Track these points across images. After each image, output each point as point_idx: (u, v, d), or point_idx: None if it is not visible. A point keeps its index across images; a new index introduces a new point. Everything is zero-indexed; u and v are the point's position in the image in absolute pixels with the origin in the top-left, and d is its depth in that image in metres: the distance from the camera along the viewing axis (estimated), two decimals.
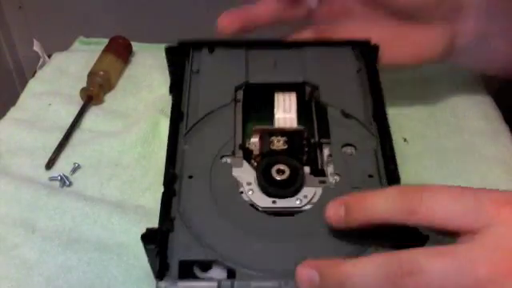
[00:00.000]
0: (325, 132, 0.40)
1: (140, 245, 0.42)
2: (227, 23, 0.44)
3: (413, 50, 0.45)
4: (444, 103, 0.53)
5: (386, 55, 0.44)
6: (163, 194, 0.35)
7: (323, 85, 0.42)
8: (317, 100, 0.42)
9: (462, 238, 0.28)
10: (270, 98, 0.43)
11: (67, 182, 0.47)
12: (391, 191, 0.31)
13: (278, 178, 0.36)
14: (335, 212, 0.32)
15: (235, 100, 0.42)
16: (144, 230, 0.42)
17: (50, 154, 0.49)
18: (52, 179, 0.47)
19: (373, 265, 0.29)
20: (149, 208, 0.45)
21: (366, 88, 0.42)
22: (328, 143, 0.39)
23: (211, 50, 0.45)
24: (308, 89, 0.43)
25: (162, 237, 0.33)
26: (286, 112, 0.42)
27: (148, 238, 0.32)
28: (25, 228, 0.43)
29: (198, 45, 0.45)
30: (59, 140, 0.50)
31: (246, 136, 0.41)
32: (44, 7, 0.88)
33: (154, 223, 0.34)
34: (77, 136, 0.52)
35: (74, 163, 0.48)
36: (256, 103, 0.43)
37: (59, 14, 0.88)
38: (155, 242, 0.32)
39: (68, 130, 0.51)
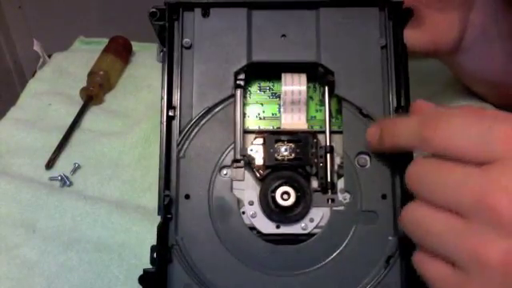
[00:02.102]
0: (338, 132, 0.36)
1: (140, 244, 0.42)
2: None
3: (428, 35, 0.44)
4: (446, 104, 0.53)
5: None
6: (159, 227, 0.33)
7: (339, 69, 0.36)
8: (330, 86, 0.36)
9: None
10: (276, 75, 0.37)
11: (67, 182, 0.47)
12: (413, 118, 0.30)
13: (283, 203, 0.34)
14: (373, 134, 0.33)
15: (235, 85, 0.36)
16: (144, 230, 0.43)
17: (50, 154, 0.49)
18: (52, 179, 0.47)
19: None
20: (149, 208, 0.45)
21: (391, 74, 0.36)
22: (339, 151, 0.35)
23: (206, 14, 0.37)
24: (321, 70, 0.36)
25: (159, 277, 0.32)
26: (294, 104, 0.36)
27: (146, 280, 0.32)
28: (25, 228, 0.43)
29: (189, 5, 0.37)
30: (59, 140, 0.50)
31: (248, 121, 0.37)
32: (44, 7, 0.88)
33: (154, 223, 0.33)
34: (77, 136, 0.52)
35: (75, 163, 0.48)
36: (260, 78, 0.38)
37: (59, 14, 0.88)
38: (153, 285, 0.32)
39: (68, 129, 0.51)
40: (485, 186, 0.25)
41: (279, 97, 0.37)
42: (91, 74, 0.56)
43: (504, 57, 0.48)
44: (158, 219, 0.33)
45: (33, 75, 0.60)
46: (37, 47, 0.61)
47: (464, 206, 0.26)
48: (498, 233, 0.25)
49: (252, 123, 0.37)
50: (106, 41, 0.61)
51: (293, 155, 0.34)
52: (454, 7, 0.44)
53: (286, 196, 0.34)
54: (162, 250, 0.32)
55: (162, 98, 0.35)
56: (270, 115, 0.37)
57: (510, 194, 0.25)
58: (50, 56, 0.62)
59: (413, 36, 0.41)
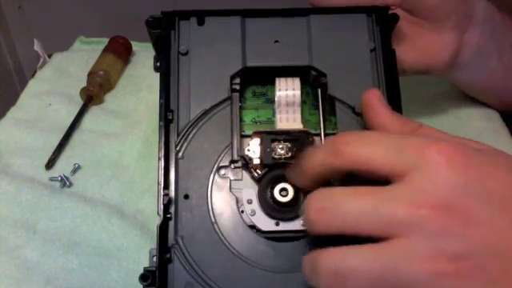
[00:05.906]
0: (332, 133, 0.37)
1: (139, 249, 0.42)
2: None
3: (421, 55, 0.44)
4: (447, 104, 0.54)
5: None
6: (159, 226, 0.33)
7: (331, 71, 0.37)
8: (323, 88, 0.37)
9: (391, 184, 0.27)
10: (270, 80, 0.38)
11: (68, 183, 0.47)
12: (328, 139, 0.31)
13: (282, 199, 0.34)
14: (292, 169, 0.33)
15: (231, 89, 0.37)
16: (143, 234, 0.42)
17: (50, 154, 0.49)
18: (52, 179, 0.47)
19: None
20: (148, 211, 0.45)
21: (381, 74, 0.37)
22: None
23: (201, 22, 0.38)
24: (314, 73, 0.38)
25: (160, 276, 0.32)
26: (288, 106, 0.37)
27: (147, 278, 0.32)
28: (26, 229, 0.43)
29: (184, 15, 0.38)
30: (59, 140, 0.50)
31: (243, 126, 0.38)
32: (44, 7, 0.88)
33: (153, 226, 0.33)
34: (77, 136, 0.51)
35: (75, 164, 0.48)
36: (254, 84, 0.40)
37: (59, 14, 0.88)
38: (154, 283, 0.32)
39: (68, 130, 0.51)
40: (412, 195, 0.25)
41: (274, 102, 0.38)
42: (91, 74, 0.56)
43: (502, 70, 0.48)
44: (155, 223, 0.33)
45: (33, 75, 0.60)
46: (37, 47, 0.61)
47: (395, 225, 0.25)
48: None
49: (247, 128, 0.38)
50: (105, 41, 0.61)
51: (289, 154, 0.35)
52: (447, 29, 0.44)
53: (284, 192, 0.34)
54: (163, 249, 0.33)
55: (160, 103, 0.36)
56: (265, 119, 0.38)
57: (439, 198, 0.25)
58: (50, 56, 0.62)
59: (405, 55, 0.42)
